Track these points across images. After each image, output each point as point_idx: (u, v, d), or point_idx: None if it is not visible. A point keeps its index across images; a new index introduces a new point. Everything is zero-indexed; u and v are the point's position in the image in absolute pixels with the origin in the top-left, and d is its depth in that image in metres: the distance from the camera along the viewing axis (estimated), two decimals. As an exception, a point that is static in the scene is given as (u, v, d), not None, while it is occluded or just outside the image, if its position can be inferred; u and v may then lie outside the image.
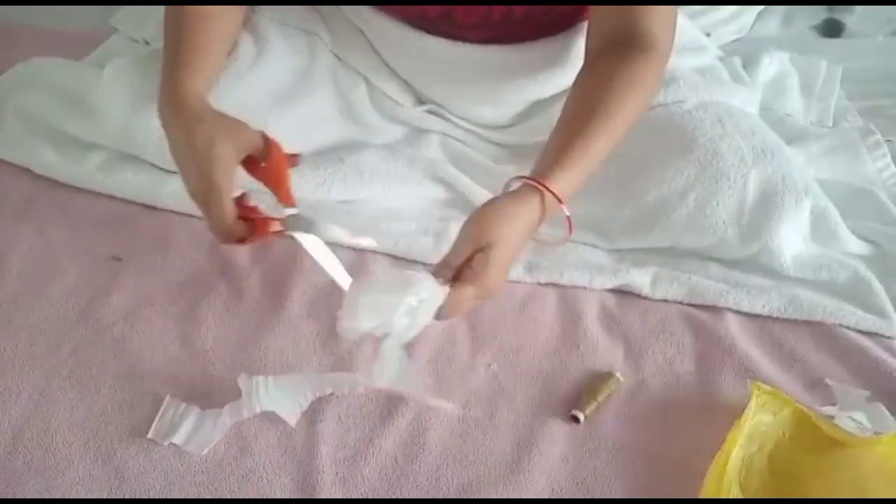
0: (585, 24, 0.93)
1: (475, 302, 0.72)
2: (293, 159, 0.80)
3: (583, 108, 0.80)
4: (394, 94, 1.01)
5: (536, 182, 0.74)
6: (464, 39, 0.95)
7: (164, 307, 0.82)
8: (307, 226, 0.76)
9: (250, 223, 0.75)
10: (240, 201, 0.76)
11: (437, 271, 0.72)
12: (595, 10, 0.86)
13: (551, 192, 0.74)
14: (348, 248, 0.88)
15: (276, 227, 0.75)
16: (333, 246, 0.77)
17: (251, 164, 0.78)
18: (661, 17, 0.84)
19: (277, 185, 0.78)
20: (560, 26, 0.95)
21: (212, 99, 0.81)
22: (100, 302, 0.82)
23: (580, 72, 0.85)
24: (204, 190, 0.73)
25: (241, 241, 0.76)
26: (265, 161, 0.78)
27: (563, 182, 0.75)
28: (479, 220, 0.73)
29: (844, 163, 1.04)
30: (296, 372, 0.76)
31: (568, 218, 0.77)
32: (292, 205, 0.77)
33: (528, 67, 0.96)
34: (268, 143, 0.78)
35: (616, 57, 0.82)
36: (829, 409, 0.74)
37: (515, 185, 0.76)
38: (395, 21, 0.96)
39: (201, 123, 0.76)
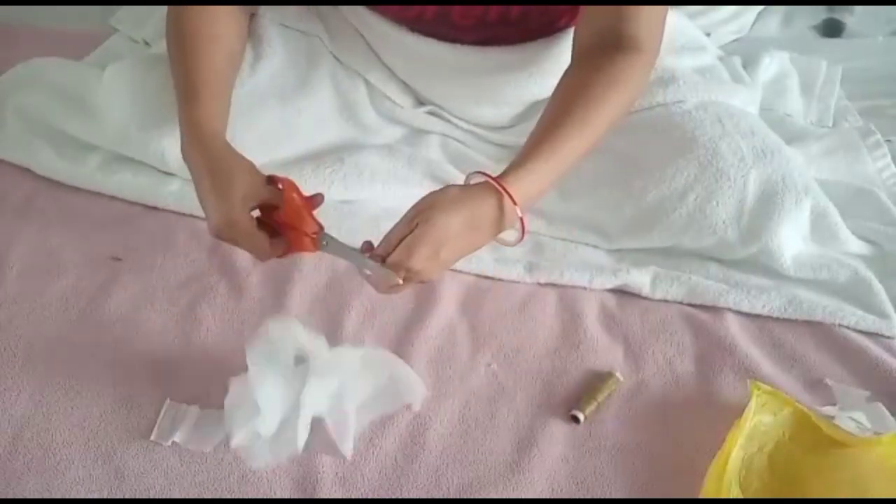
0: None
1: (403, 283, 0.71)
2: (313, 200, 0.78)
3: (559, 110, 0.79)
4: (393, 95, 1.01)
5: (495, 181, 0.73)
6: (461, 41, 0.95)
7: (164, 307, 0.82)
8: (342, 251, 0.75)
9: (286, 236, 0.75)
10: (269, 214, 0.75)
11: (376, 250, 0.72)
12: (583, 11, 0.86)
13: (508, 193, 0.73)
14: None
15: (309, 247, 0.75)
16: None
17: (267, 210, 0.76)
18: (649, 19, 0.83)
19: (295, 232, 0.76)
20: (556, 27, 0.95)
21: None
22: (100, 302, 0.82)
23: (564, 73, 0.84)
24: (226, 226, 0.74)
25: (282, 255, 0.76)
26: (280, 207, 0.75)
27: (526, 183, 0.74)
28: (421, 202, 0.73)
29: (844, 163, 1.04)
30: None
31: (521, 220, 0.75)
32: (316, 249, 0.76)
33: (527, 68, 0.96)
34: (282, 187, 0.76)
35: (600, 57, 0.82)
36: (829, 409, 0.74)
37: (476, 180, 0.75)
38: (392, 24, 0.96)
39: (219, 163, 0.76)
